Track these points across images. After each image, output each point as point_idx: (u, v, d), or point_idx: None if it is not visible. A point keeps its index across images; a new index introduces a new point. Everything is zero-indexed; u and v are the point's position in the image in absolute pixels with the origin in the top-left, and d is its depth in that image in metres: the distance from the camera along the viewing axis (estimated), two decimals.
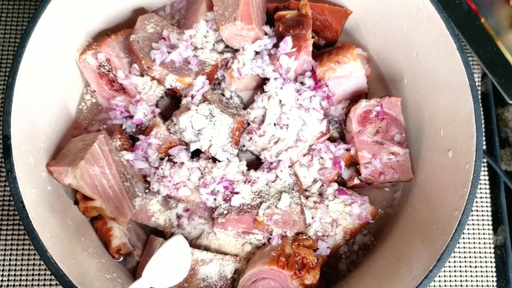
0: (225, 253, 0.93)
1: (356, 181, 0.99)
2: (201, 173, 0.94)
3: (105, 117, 1.02)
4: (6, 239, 1.03)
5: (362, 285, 0.93)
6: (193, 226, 0.95)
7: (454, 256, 1.10)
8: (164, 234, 0.97)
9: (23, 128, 0.83)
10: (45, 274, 1.02)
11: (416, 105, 1.01)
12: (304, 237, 0.91)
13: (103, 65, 0.97)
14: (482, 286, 1.08)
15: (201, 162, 0.94)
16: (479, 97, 0.89)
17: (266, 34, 1.01)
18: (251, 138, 0.97)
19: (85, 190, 0.87)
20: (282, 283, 0.87)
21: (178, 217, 0.96)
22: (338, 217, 0.94)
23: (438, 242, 0.82)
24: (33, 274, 1.02)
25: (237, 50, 1.01)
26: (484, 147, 1.16)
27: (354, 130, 0.97)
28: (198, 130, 0.92)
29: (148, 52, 0.95)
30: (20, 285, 1.01)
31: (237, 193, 0.92)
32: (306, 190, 0.97)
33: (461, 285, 1.08)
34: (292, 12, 1.01)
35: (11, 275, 1.02)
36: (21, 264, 1.02)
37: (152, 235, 0.96)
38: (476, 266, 1.09)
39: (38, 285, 1.02)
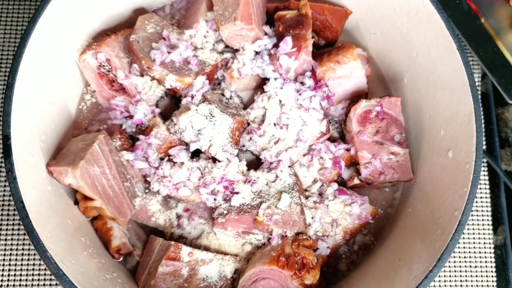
0: (225, 253, 0.93)
1: (356, 181, 0.99)
2: (201, 173, 0.94)
3: (105, 117, 1.02)
4: (6, 239, 1.03)
5: (362, 285, 0.93)
6: (193, 226, 0.95)
7: (454, 256, 1.10)
8: (164, 234, 0.97)
9: (23, 128, 0.83)
10: (45, 274, 1.02)
11: (416, 105, 1.01)
12: (304, 237, 0.91)
13: (103, 65, 0.97)
14: (482, 286, 1.08)
15: (201, 162, 0.94)
16: (479, 97, 0.89)
17: (266, 34, 1.01)
18: (251, 138, 0.97)
19: (85, 190, 0.87)
20: (282, 283, 0.87)
21: (178, 217, 0.96)
22: (338, 217, 0.94)
23: (438, 242, 0.82)
24: (33, 274, 1.02)
25: (237, 50, 1.01)
26: (484, 147, 1.16)
27: (354, 130, 0.97)
28: (198, 130, 0.92)
29: (148, 52, 0.95)
30: (20, 285, 1.01)
31: (237, 193, 0.92)
32: (306, 190, 0.97)
33: (461, 285, 1.08)
34: (292, 12, 1.01)
35: (11, 275, 1.02)
36: (21, 264, 1.02)
37: (152, 235, 0.96)
38: (476, 266, 1.09)
39: (38, 285, 1.02)
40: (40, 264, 1.02)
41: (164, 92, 1.00)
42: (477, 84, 1.18)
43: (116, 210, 0.91)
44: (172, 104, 1.04)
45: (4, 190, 1.06)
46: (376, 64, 1.09)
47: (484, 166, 1.15)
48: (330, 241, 0.94)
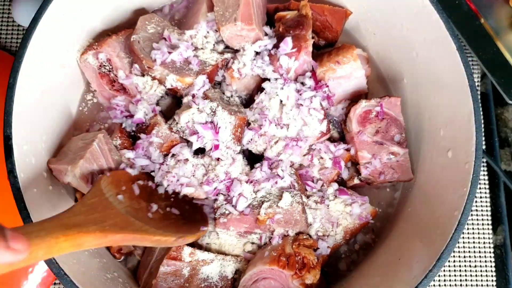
0: (226, 253, 0.93)
1: (356, 181, 0.99)
2: (206, 170, 0.94)
3: (105, 116, 1.02)
4: None
5: (361, 284, 0.93)
6: None
7: (454, 256, 1.10)
8: None
9: (24, 128, 0.84)
10: None
11: (415, 105, 1.02)
12: (305, 237, 0.91)
13: (104, 65, 0.97)
14: (482, 285, 1.09)
15: (206, 159, 0.94)
16: (479, 97, 0.89)
17: (266, 34, 1.01)
18: (251, 139, 0.97)
19: (84, 188, 0.87)
20: (283, 283, 0.87)
21: None
22: (338, 217, 0.94)
23: (438, 241, 0.82)
24: None
25: (237, 51, 1.01)
26: (484, 147, 1.16)
27: (354, 130, 0.97)
28: None
29: (148, 52, 0.95)
30: None
31: (243, 196, 0.91)
32: (306, 190, 0.98)
33: (460, 285, 1.08)
34: (292, 13, 1.01)
35: None
36: None
37: None
38: (475, 266, 1.10)
39: None
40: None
41: (165, 91, 1.00)
42: (476, 84, 1.18)
43: None
44: (173, 104, 1.05)
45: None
46: (376, 64, 1.09)
47: (483, 166, 1.15)
48: (331, 240, 0.94)
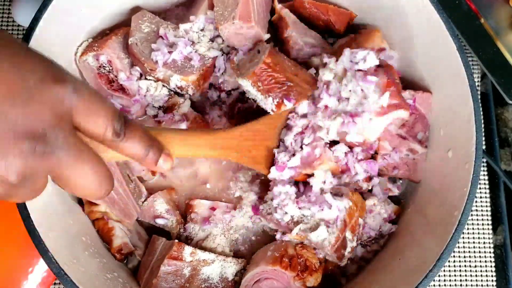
0: (227, 255, 0.93)
1: None
2: None
3: None
4: None
5: (361, 284, 0.93)
6: (202, 228, 0.95)
7: (454, 256, 1.10)
8: (170, 234, 0.97)
9: None
10: None
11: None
12: None
13: (104, 66, 0.97)
14: (482, 285, 1.09)
15: None
16: (479, 97, 0.89)
17: (269, 32, 1.01)
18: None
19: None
20: (285, 284, 0.87)
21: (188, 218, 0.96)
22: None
23: (438, 241, 0.82)
24: None
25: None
26: (484, 147, 1.16)
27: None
28: None
29: (148, 54, 0.95)
30: None
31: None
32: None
33: (460, 285, 1.08)
34: (275, 16, 1.01)
35: None
36: None
37: (154, 235, 0.96)
38: (475, 266, 1.10)
39: None
40: None
41: (169, 91, 1.01)
42: (476, 84, 1.18)
43: (121, 212, 0.91)
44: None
45: None
46: None
47: (483, 166, 1.15)
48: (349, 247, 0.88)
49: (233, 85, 1.03)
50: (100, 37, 1.00)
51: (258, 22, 0.97)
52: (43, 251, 0.78)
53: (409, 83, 1.01)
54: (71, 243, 0.87)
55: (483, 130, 1.14)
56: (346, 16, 1.02)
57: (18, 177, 0.50)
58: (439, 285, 1.08)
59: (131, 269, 0.97)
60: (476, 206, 1.13)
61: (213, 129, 0.89)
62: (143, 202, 0.96)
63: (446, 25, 0.89)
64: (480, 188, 1.13)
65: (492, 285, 1.09)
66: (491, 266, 1.10)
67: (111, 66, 0.97)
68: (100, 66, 0.97)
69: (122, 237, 0.94)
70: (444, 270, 1.09)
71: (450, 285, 1.08)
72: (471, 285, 1.08)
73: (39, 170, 0.52)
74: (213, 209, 0.97)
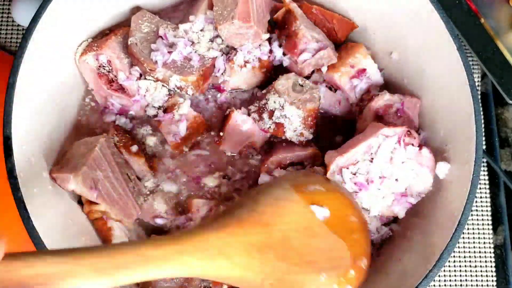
0: None
1: None
2: None
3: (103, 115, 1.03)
4: None
5: (360, 284, 0.93)
6: None
7: (454, 256, 1.10)
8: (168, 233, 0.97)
9: (24, 128, 0.84)
10: None
11: None
12: None
13: (103, 66, 0.97)
14: (482, 285, 1.09)
15: None
16: (479, 97, 0.89)
17: (269, 31, 1.01)
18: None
19: (88, 195, 0.87)
20: None
21: (186, 219, 0.96)
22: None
23: (438, 242, 0.82)
24: None
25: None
26: (484, 147, 1.16)
27: (370, 121, 0.96)
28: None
29: (148, 54, 0.95)
30: None
31: None
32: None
33: (460, 285, 1.08)
34: (281, 12, 1.01)
35: None
36: None
37: (153, 235, 0.96)
38: (476, 266, 1.10)
39: None
40: None
41: (168, 91, 1.01)
42: (477, 84, 1.18)
43: (121, 212, 0.91)
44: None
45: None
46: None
47: (483, 166, 1.15)
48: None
49: (233, 85, 1.03)
50: (100, 36, 1.00)
51: (258, 22, 0.97)
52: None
53: (405, 87, 1.01)
54: (71, 243, 0.87)
55: (483, 130, 1.14)
56: (349, 25, 1.04)
57: None
58: (439, 285, 1.08)
59: None
60: (476, 206, 1.13)
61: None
62: (142, 202, 0.96)
63: (446, 25, 0.89)
64: (480, 188, 1.13)
65: (492, 285, 1.09)
66: (491, 266, 1.10)
67: (110, 66, 0.97)
68: (99, 66, 0.97)
69: (121, 237, 0.94)
70: (444, 270, 1.09)
71: (450, 285, 1.08)
72: (471, 285, 1.08)
73: None
74: (212, 209, 0.97)
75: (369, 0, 1.01)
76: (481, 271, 1.09)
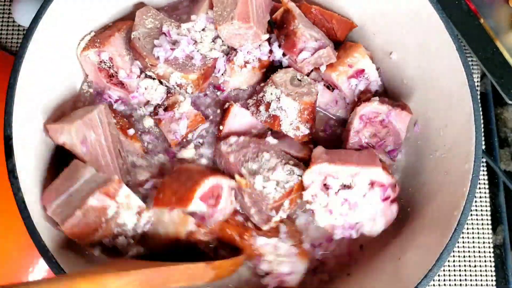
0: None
1: None
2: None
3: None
4: None
5: (360, 284, 0.93)
6: None
7: (454, 256, 1.10)
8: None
9: (24, 128, 0.84)
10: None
11: (415, 106, 1.02)
12: None
13: (105, 62, 0.97)
14: (482, 285, 1.09)
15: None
16: (479, 97, 0.90)
17: (268, 32, 1.01)
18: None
19: (77, 149, 0.85)
20: None
21: None
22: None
23: (437, 241, 0.83)
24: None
25: None
26: (484, 147, 1.16)
27: (354, 126, 0.96)
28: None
29: (150, 49, 0.95)
30: None
31: None
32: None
33: (460, 285, 1.09)
34: (279, 12, 1.01)
35: None
36: None
37: (76, 160, 0.89)
38: (475, 266, 1.10)
39: None
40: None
41: (166, 90, 1.01)
42: (476, 84, 1.19)
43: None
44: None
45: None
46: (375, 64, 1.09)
47: (483, 166, 1.15)
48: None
49: (233, 85, 1.04)
50: (103, 29, 0.99)
51: (257, 22, 0.97)
52: (44, 251, 0.78)
53: (405, 87, 1.02)
54: (71, 243, 0.87)
55: (482, 130, 1.14)
56: (348, 25, 1.04)
57: None
58: (439, 285, 1.08)
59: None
60: (476, 206, 1.13)
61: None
62: (129, 180, 0.96)
63: (445, 25, 0.89)
64: (479, 188, 1.14)
65: (492, 285, 1.09)
66: (490, 266, 1.10)
67: (111, 63, 0.97)
68: (101, 62, 0.97)
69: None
70: (444, 270, 1.09)
71: (450, 285, 1.09)
72: (471, 285, 1.09)
73: None
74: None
75: (369, 0, 1.01)
76: (480, 271, 1.10)
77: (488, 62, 1.09)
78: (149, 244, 0.87)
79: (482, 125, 1.15)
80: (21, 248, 0.99)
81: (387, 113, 0.96)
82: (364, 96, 1.00)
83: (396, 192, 0.90)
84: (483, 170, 1.15)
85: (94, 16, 0.98)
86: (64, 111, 0.97)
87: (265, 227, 0.92)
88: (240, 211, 0.96)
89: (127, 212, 0.84)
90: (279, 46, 1.01)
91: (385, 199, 0.90)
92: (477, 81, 1.20)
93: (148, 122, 1.01)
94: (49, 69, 0.91)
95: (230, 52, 1.01)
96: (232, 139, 0.95)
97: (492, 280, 1.09)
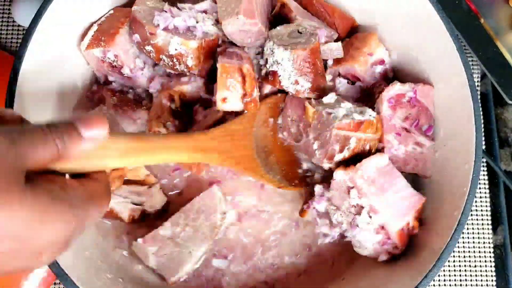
0: None
1: None
2: None
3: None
4: None
5: (360, 284, 0.93)
6: None
7: (454, 256, 1.10)
8: None
9: None
10: None
11: None
12: None
13: (109, 57, 0.97)
14: (482, 285, 1.09)
15: None
16: (479, 97, 0.89)
17: (270, 29, 1.01)
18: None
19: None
20: None
21: None
22: None
23: (437, 241, 0.83)
24: None
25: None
26: (484, 147, 1.16)
27: (384, 112, 0.92)
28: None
29: (150, 20, 0.94)
30: None
31: None
32: None
33: (460, 285, 1.09)
34: (276, 9, 1.00)
35: None
36: None
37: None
38: (475, 266, 1.10)
39: None
40: None
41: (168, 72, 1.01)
42: (476, 84, 1.18)
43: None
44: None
45: None
46: None
47: (483, 166, 1.15)
48: None
49: None
50: (104, 19, 0.98)
51: (261, 19, 0.97)
52: None
53: (409, 77, 1.00)
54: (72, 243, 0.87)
55: (483, 130, 1.14)
56: (350, 21, 1.03)
57: None
58: (439, 285, 1.08)
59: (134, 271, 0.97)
60: (476, 206, 1.13)
61: (191, 132, 0.89)
62: None
63: (446, 25, 0.89)
64: (480, 188, 1.14)
65: (492, 285, 1.09)
66: (491, 266, 1.10)
67: (116, 59, 0.97)
68: (104, 56, 0.97)
69: (126, 208, 0.94)
70: (444, 270, 1.09)
71: (450, 285, 1.08)
72: (471, 285, 1.08)
73: None
74: None
75: (369, 0, 1.01)
76: (480, 271, 1.09)
77: (489, 62, 1.09)
78: None
79: (482, 125, 1.15)
80: None
81: (413, 89, 0.93)
82: (378, 89, 0.96)
83: (397, 250, 0.88)
84: (483, 170, 1.15)
85: (94, 15, 0.98)
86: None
87: (325, 165, 0.87)
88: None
89: None
90: None
91: (383, 244, 0.88)
92: (477, 81, 1.20)
93: None
94: (49, 69, 0.91)
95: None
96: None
97: (492, 281, 1.09)
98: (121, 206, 0.94)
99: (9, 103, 0.81)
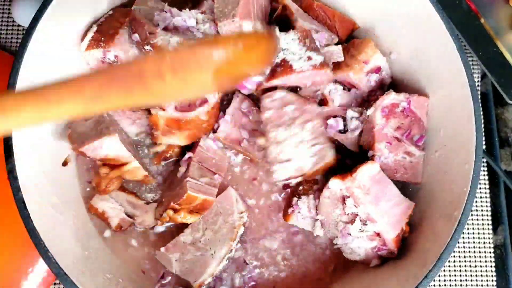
0: None
1: None
2: None
3: None
4: None
5: (360, 284, 0.93)
6: None
7: (454, 256, 1.10)
8: None
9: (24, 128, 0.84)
10: None
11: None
12: None
13: (109, 58, 0.97)
14: (482, 285, 1.09)
15: None
16: (479, 97, 0.89)
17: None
18: None
19: (124, 153, 0.91)
20: None
21: None
22: None
23: (438, 241, 0.83)
24: None
25: None
26: (484, 147, 1.16)
27: (377, 121, 0.94)
28: None
29: (151, 20, 0.94)
30: None
31: None
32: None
33: (460, 285, 1.08)
34: (278, 10, 1.00)
35: None
36: None
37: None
38: (476, 266, 1.10)
39: None
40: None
41: None
42: (476, 84, 1.18)
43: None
44: None
45: None
46: None
47: (483, 166, 1.15)
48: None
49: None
50: (104, 20, 0.98)
51: (257, 21, 0.97)
52: (43, 251, 0.78)
53: (405, 87, 1.01)
54: (71, 243, 0.87)
55: (483, 130, 1.14)
56: (350, 24, 1.03)
57: None
58: (439, 285, 1.08)
59: (133, 272, 0.97)
60: (476, 206, 1.13)
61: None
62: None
63: (446, 25, 0.89)
64: (480, 188, 1.13)
65: (492, 285, 1.09)
66: (491, 266, 1.10)
67: (116, 59, 0.97)
68: (105, 57, 0.97)
69: (117, 215, 0.95)
70: (444, 270, 1.09)
71: (450, 285, 1.08)
72: (471, 285, 1.08)
73: None
74: None
75: (369, 0, 1.01)
76: (481, 271, 1.09)
77: (489, 62, 1.09)
78: None
79: (483, 125, 1.15)
80: (21, 248, 0.99)
81: (407, 100, 0.95)
82: (373, 97, 0.99)
83: (392, 256, 0.91)
84: (484, 170, 1.15)
85: (95, 15, 0.98)
86: None
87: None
88: None
89: None
90: None
91: (378, 250, 0.91)
92: (478, 81, 1.20)
93: None
94: (49, 69, 0.91)
95: None
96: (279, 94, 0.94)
97: (492, 280, 1.09)
98: (113, 212, 0.95)
99: None
